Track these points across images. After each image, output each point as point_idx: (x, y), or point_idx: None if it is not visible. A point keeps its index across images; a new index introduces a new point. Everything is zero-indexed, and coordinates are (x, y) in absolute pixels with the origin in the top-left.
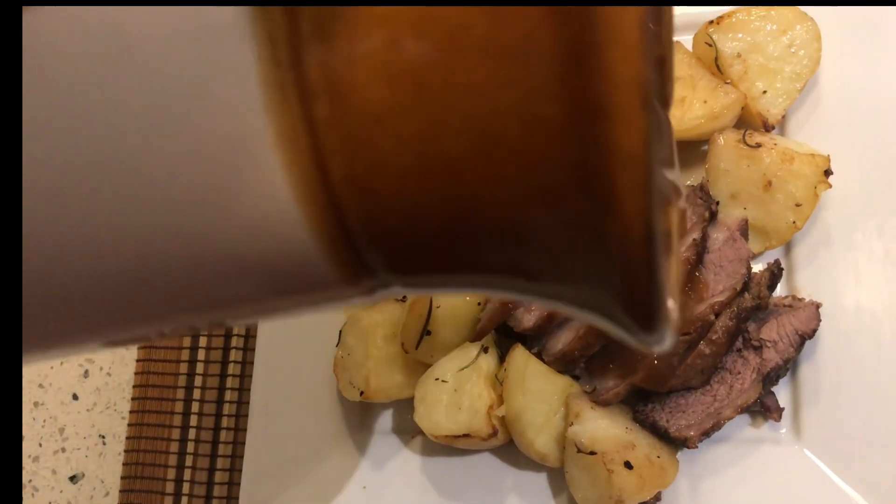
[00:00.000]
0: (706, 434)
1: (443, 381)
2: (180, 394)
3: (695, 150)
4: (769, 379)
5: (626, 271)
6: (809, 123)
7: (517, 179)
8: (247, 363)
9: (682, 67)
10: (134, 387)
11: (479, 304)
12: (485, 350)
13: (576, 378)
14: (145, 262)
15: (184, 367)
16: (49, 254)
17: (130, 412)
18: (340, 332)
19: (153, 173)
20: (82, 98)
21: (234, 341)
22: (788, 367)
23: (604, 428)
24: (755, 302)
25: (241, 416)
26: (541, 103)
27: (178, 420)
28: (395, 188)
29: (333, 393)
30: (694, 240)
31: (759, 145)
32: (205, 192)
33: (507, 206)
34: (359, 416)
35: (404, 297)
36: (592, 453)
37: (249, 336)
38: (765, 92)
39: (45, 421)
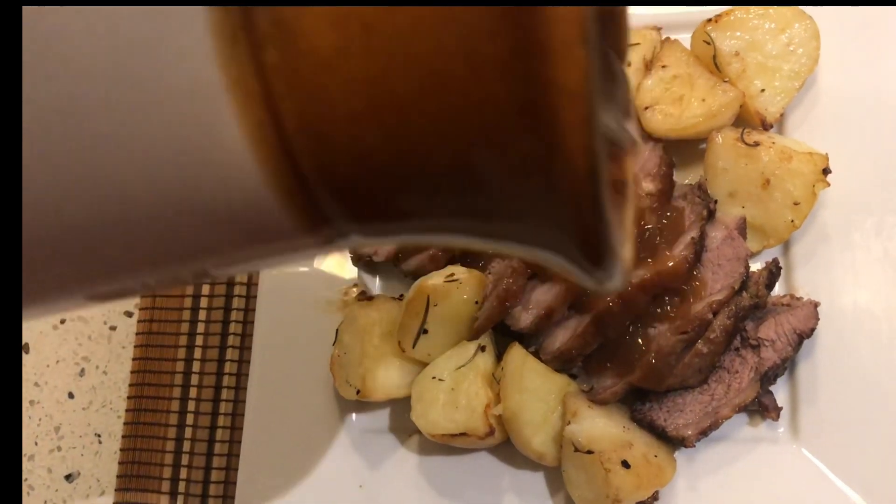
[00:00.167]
0: (704, 433)
1: (440, 379)
2: (176, 392)
3: (693, 148)
4: (767, 378)
5: (572, 206)
6: (808, 122)
7: (464, 119)
8: (243, 362)
9: (680, 66)
10: (130, 385)
11: (476, 302)
12: (482, 349)
13: (573, 377)
14: (118, 212)
15: (180, 366)
16: (37, 205)
17: (126, 411)
18: (337, 330)
19: (115, 125)
20: (61, 66)
21: (231, 340)
22: (786, 366)
23: (601, 427)
24: (753, 301)
25: (237, 414)
26: (484, 41)
27: (174, 419)
28: (347, 132)
29: (330, 391)
30: (692, 238)
31: (757, 144)
32: (164, 141)
33: (456, 147)
34: (355, 414)
35: (401, 295)
36: (590, 452)
37: (246, 335)
38: (763, 90)
39: (40, 419)
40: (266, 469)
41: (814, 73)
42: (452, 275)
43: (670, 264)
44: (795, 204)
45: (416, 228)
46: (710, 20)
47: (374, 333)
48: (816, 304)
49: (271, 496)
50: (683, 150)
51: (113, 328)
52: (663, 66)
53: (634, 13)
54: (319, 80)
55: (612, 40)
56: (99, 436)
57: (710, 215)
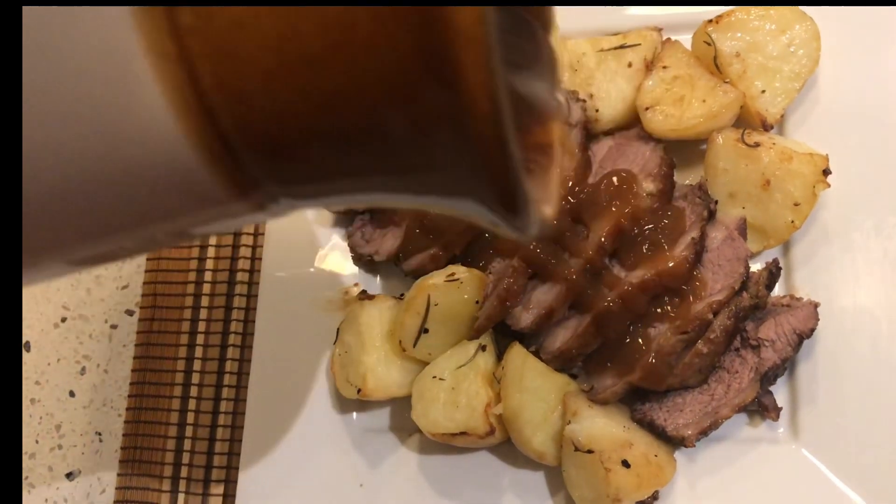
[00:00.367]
0: (704, 433)
1: (440, 378)
2: (177, 391)
3: (693, 149)
4: (767, 378)
5: (480, 148)
6: (808, 123)
7: (373, 71)
8: (244, 361)
9: (680, 66)
10: (131, 384)
11: (476, 302)
12: (482, 348)
13: (573, 376)
14: (62, 180)
15: (181, 365)
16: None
17: (127, 409)
18: (338, 329)
19: (39, 92)
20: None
21: (232, 339)
22: (786, 366)
23: (601, 426)
24: (753, 301)
25: (237, 413)
26: None
27: (175, 417)
28: (262, 88)
29: (330, 390)
30: (692, 238)
31: (757, 144)
32: (90, 108)
33: (368, 101)
34: (356, 413)
35: (402, 294)
36: (590, 452)
37: (247, 334)
38: (763, 91)
39: (41, 418)
40: (266, 468)
41: (814, 74)
42: (453, 274)
43: (671, 264)
44: (796, 205)
45: (340, 189)
46: (710, 21)
47: (374, 332)
48: (816, 305)
49: (272, 494)
50: (684, 150)
51: (114, 327)
52: (664, 67)
53: (635, 14)
54: (233, 39)
55: (535, 13)
56: (100, 434)
57: (711, 216)
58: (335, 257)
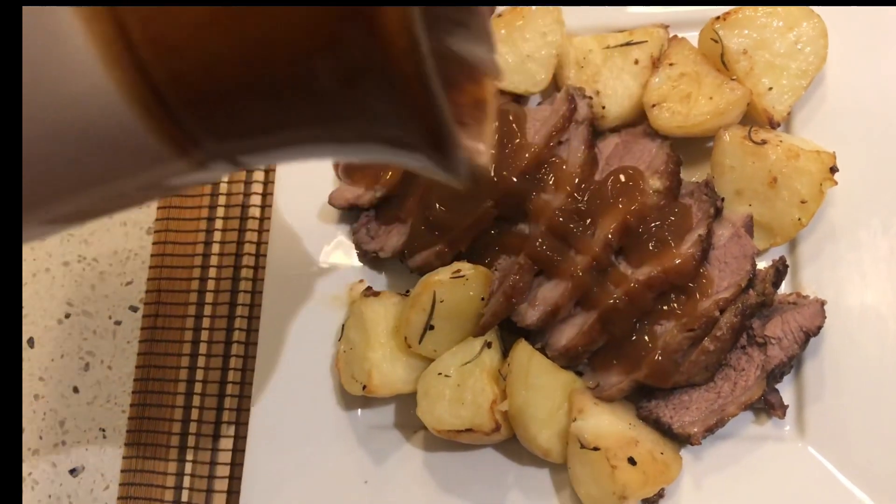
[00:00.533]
0: (710, 431)
1: (446, 375)
2: (181, 387)
3: (700, 146)
4: (773, 376)
5: (403, 88)
6: (815, 120)
7: (296, 19)
8: (248, 357)
9: (687, 64)
10: (135, 380)
11: (482, 298)
12: (488, 345)
13: (579, 373)
14: (28, 147)
15: (185, 361)
16: None
17: (131, 405)
18: (343, 326)
19: None
20: None
21: (236, 335)
22: (793, 364)
23: (607, 424)
24: (760, 299)
25: (241, 409)
26: None
27: (178, 414)
28: (191, 39)
29: (335, 387)
30: (699, 236)
31: (764, 142)
32: (31, 71)
33: (293, 49)
34: (361, 410)
35: (407, 291)
36: (596, 449)
37: (251, 330)
38: (771, 88)
39: (45, 413)
40: (271, 464)
41: (822, 71)
42: (459, 271)
43: (677, 262)
44: (802, 202)
45: (277, 143)
46: (718, 18)
47: (379, 329)
48: (823, 303)
49: (276, 491)
50: (691, 147)
51: (118, 323)
52: (671, 64)
53: (642, 11)
54: None
55: None
56: (103, 430)
57: (718, 213)
58: (340, 254)
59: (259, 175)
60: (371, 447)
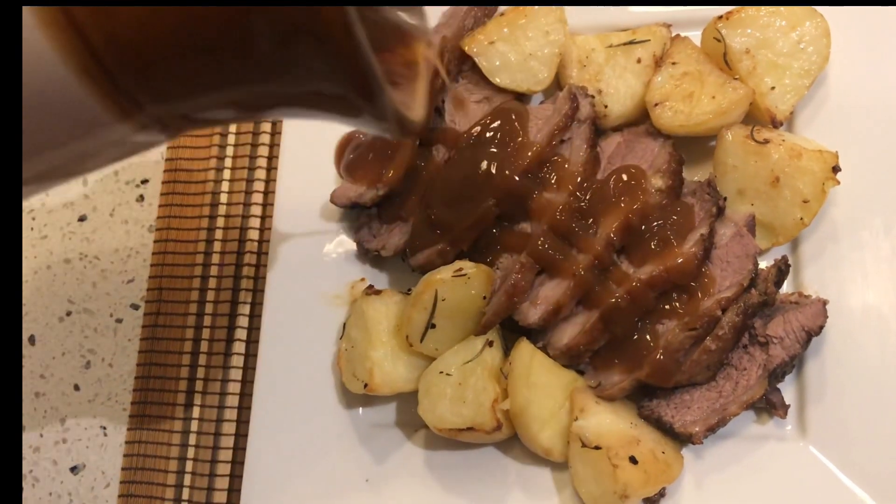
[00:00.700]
0: (711, 430)
1: (447, 374)
2: (182, 385)
3: (703, 145)
4: (775, 375)
5: (328, 36)
6: (818, 120)
7: None
8: (250, 356)
9: (690, 63)
10: (136, 378)
11: (484, 297)
12: (490, 344)
13: (581, 373)
14: None
15: (186, 359)
16: None
17: (132, 403)
18: (344, 324)
19: None
20: None
21: (238, 333)
22: (794, 363)
23: (609, 423)
24: (762, 298)
25: (243, 408)
26: None
27: (180, 412)
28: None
29: (336, 385)
30: (701, 235)
31: (766, 141)
32: None
33: (228, 11)
34: (362, 408)
35: (409, 289)
36: (597, 448)
37: (253, 328)
38: (773, 88)
39: (46, 411)
40: (272, 462)
41: (824, 71)
42: (460, 270)
43: (679, 261)
44: (805, 202)
45: (216, 103)
46: (720, 17)
47: (381, 328)
48: (825, 302)
49: (277, 488)
50: (693, 146)
51: (119, 321)
52: (673, 63)
53: (645, 10)
54: None
55: None
56: (104, 428)
57: (720, 212)
58: (342, 252)
59: (261, 173)
60: (372, 445)
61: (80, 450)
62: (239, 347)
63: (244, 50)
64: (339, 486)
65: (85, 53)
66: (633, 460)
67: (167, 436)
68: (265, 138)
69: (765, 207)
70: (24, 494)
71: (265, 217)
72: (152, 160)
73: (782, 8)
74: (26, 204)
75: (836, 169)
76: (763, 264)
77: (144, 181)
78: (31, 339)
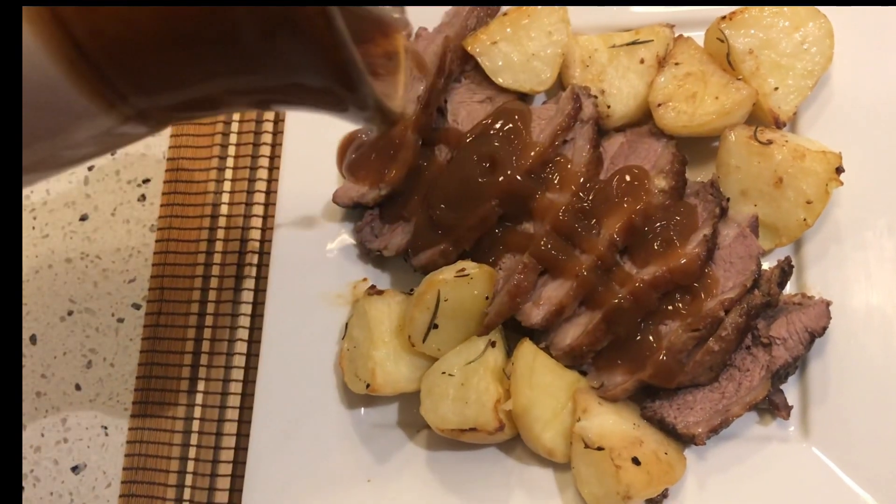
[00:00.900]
0: (714, 431)
1: (449, 374)
2: (184, 385)
3: (706, 145)
4: (778, 376)
5: (312, 34)
6: (821, 121)
7: None
8: (252, 356)
9: (693, 63)
10: (137, 378)
11: (486, 297)
12: (492, 344)
13: (583, 373)
14: None
15: (188, 359)
16: None
17: (133, 403)
18: (346, 324)
19: None
20: None
21: (240, 333)
22: (797, 364)
23: (611, 423)
24: (765, 299)
25: (245, 408)
26: None
27: (181, 412)
28: None
29: (338, 385)
30: (704, 236)
31: (770, 142)
32: None
33: (209, 4)
34: (364, 408)
35: (411, 290)
36: (600, 449)
37: (255, 328)
38: (776, 88)
39: (47, 411)
40: (274, 462)
41: (827, 71)
42: (463, 270)
43: (682, 261)
44: (808, 202)
45: (202, 95)
46: (724, 18)
47: (383, 328)
48: (828, 303)
49: (279, 489)
50: (696, 147)
51: (120, 320)
52: (676, 64)
53: (648, 11)
54: None
55: None
56: (105, 428)
57: (723, 213)
58: (344, 252)
59: (263, 173)
60: (374, 446)
61: (81, 449)
62: (240, 347)
63: (226, 44)
64: (341, 487)
65: (70, 46)
66: (635, 461)
67: (168, 435)
68: (267, 138)
69: (768, 208)
70: (26, 494)
71: (267, 217)
72: (154, 159)
73: (786, 8)
74: (27, 203)
75: (839, 170)
76: (766, 265)
77: (146, 180)
78: (33, 339)
